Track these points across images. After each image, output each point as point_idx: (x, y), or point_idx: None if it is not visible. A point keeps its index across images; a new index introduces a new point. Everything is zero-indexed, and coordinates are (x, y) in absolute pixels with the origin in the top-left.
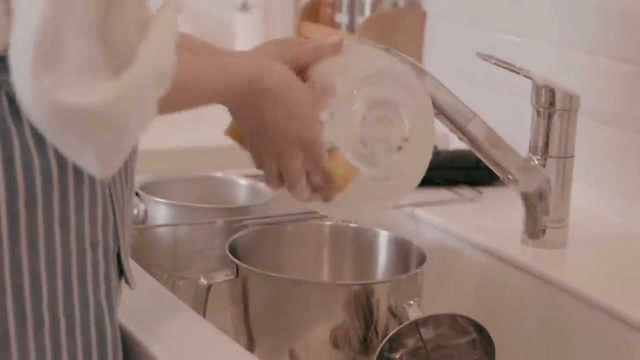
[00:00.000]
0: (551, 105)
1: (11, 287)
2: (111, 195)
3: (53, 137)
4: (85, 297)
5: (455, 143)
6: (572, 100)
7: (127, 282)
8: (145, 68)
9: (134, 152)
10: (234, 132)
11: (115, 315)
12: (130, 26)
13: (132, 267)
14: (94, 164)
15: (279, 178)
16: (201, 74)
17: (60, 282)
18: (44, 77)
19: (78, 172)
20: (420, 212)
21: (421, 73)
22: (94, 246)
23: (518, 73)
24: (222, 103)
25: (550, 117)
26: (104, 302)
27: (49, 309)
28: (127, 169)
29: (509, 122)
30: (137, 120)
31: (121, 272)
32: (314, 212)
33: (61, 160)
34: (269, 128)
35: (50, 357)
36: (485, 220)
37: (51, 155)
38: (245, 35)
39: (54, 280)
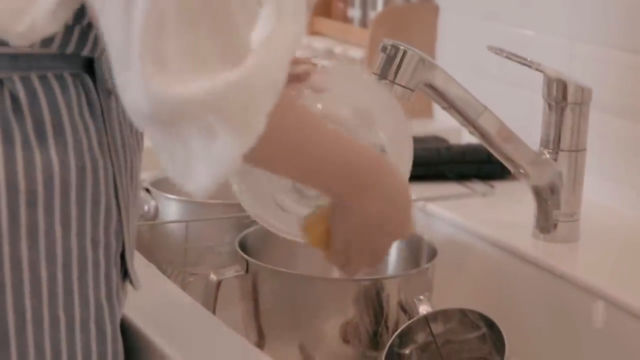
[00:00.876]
0: (563, 99)
1: (11, 285)
2: (116, 194)
3: (158, 133)
4: (86, 296)
5: (467, 137)
6: (584, 93)
7: (131, 283)
8: (257, 69)
9: (138, 151)
10: (314, 230)
11: (116, 315)
12: (239, 23)
13: (142, 263)
14: (196, 163)
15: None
16: (330, 140)
17: (60, 280)
18: (152, 76)
19: (81, 170)
20: (431, 207)
21: (432, 67)
22: (95, 245)
23: (529, 66)
24: (336, 192)
25: (562, 110)
26: (104, 302)
27: (48, 307)
28: (133, 168)
29: (521, 116)
30: (243, 120)
31: (125, 272)
32: None
33: (63, 158)
34: (379, 228)
35: (50, 356)
36: (496, 215)
37: (53, 152)
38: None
39: (54, 278)
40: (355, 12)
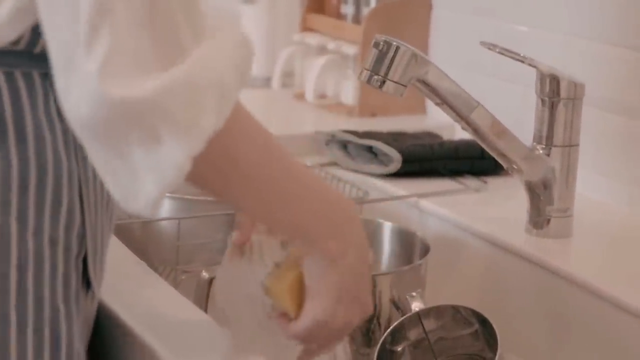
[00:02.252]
0: (556, 94)
1: None
2: (81, 197)
3: (98, 143)
4: (41, 297)
5: (461, 133)
6: (577, 89)
7: (91, 290)
8: (198, 67)
9: None
10: (279, 288)
11: (73, 320)
12: (180, 25)
13: (132, 261)
14: (141, 173)
15: None
16: (302, 173)
17: (13, 278)
18: (93, 59)
19: (41, 169)
20: (425, 203)
21: (424, 63)
22: (53, 244)
23: (522, 62)
24: (313, 235)
25: (554, 105)
26: (61, 306)
27: None
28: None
29: (515, 111)
30: (187, 120)
31: (89, 280)
32: None
33: (22, 155)
34: (354, 296)
35: None
36: (490, 210)
37: (12, 149)
38: (250, 27)
39: (6, 276)
40: (348, 9)
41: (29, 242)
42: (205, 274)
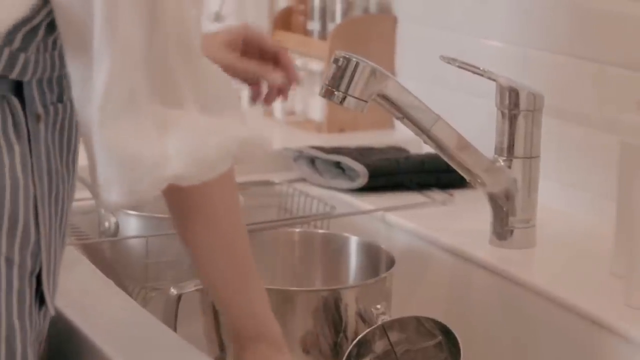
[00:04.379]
0: (515, 106)
1: None
2: (36, 217)
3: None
4: None
5: (427, 147)
6: (536, 100)
7: (46, 307)
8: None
9: (68, 179)
10: None
11: (27, 337)
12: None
13: (100, 280)
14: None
15: None
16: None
17: None
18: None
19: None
20: (391, 217)
21: (384, 78)
22: (9, 263)
23: (481, 75)
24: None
25: (514, 118)
26: (15, 322)
27: None
28: (59, 195)
29: (480, 125)
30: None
31: (42, 297)
32: (284, 220)
33: None
34: None
35: None
36: (455, 223)
37: None
38: None
39: None
40: (314, 25)
41: None
42: (173, 291)
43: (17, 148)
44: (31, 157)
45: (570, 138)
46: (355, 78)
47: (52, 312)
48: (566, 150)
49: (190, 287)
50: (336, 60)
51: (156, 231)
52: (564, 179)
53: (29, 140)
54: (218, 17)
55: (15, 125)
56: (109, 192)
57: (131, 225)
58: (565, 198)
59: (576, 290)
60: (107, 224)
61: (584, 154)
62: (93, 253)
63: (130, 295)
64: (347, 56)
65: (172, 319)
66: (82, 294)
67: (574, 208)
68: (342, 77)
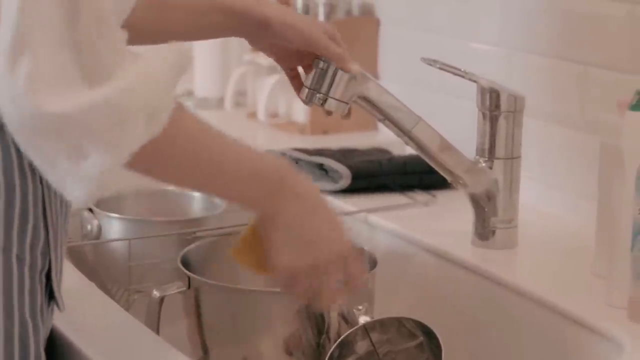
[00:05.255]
0: (496, 108)
1: None
2: (45, 216)
3: (30, 148)
4: (11, 310)
5: (410, 148)
6: (517, 102)
7: (56, 304)
8: (122, 90)
9: None
10: (244, 253)
11: (39, 334)
12: (101, 49)
13: (83, 282)
14: (69, 180)
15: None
16: (233, 152)
17: None
18: (18, 75)
19: (9, 188)
20: (373, 218)
21: (365, 79)
22: (20, 262)
23: (463, 77)
24: (249, 199)
25: (495, 119)
26: (28, 319)
27: None
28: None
29: (462, 126)
30: (111, 139)
31: (51, 293)
32: None
33: None
34: (307, 238)
35: None
36: (438, 224)
37: None
38: (203, 47)
39: None
40: None
41: None
42: (156, 293)
43: None
44: None
45: (552, 139)
46: (336, 80)
47: (62, 308)
48: (548, 150)
49: (173, 289)
50: (317, 63)
51: (139, 234)
52: (546, 180)
53: None
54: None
55: None
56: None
57: (114, 228)
58: (547, 198)
59: (557, 290)
60: (89, 226)
61: (566, 154)
62: (75, 256)
63: (113, 297)
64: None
65: (155, 321)
66: (65, 297)
67: (556, 208)
68: (322, 79)
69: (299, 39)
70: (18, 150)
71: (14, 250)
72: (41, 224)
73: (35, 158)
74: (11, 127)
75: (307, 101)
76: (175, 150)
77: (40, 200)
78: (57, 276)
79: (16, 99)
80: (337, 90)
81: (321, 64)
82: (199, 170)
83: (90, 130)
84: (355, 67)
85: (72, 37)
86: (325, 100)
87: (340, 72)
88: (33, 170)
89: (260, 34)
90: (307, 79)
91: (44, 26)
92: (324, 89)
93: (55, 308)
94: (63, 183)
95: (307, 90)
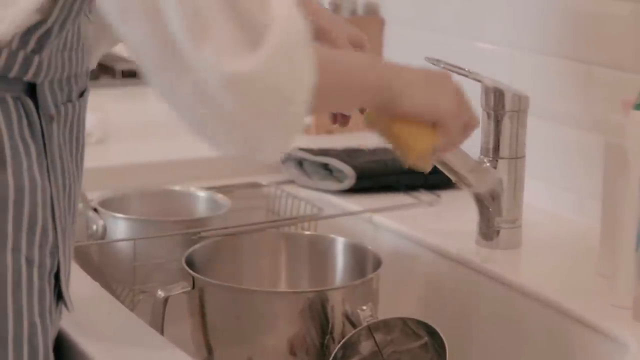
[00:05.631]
0: (501, 107)
1: None
2: (53, 216)
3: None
4: (20, 312)
5: None
6: (521, 101)
7: (64, 304)
8: (280, 37)
9: (78, 177)
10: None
11: (48, 334)
12: (254, 12)
13: (87, 283)
14: (265, 141)
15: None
16: (355, 66)
17: None
18: (203, 45)
19: (19, 189)
20: (378, 218)
21: None
22: (29, 263)
23: (467, 76)
24: (371, 102)
25: (500, 118)
26: (37, 320)
27: None
28: (71, 193)
29: None
30: (295, 85)
31: (59, 293)
32: (271, 222)
33: (2, 177)
34: (433, 90)
35: None
36: (442, 224)
37: None
38: None
39: None
40: None
41: (7, 259)
42: (161, 294)
43: (33, 149)
44: (46, 157)
45: (556, 138)
46: None
47: (71, 309)
48: (552, 150)
49: (178, 289)
50: None
51: (144, 234)
52: (550, 179)
53: (44, 141)
54: None
55: (30, 126)
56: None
57: (119, 228)
58: (552, 198)
59: (562, 290)
60: (94, 226)
61: (570, 154)
62: (81, 256)
63: (118, 298)
64: None
65: (159, 322)
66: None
67: (561, 208)
68: None
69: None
70: (26, 151)
71: (23, 251)
72: (50, 225)
73: (233, 128)
74: (215, 109)
75: None
76: (326, 86)
77: (48, 201)
78: (65, 277)
79: (211, 77)
80: None
81: None
82: (341, 94)
83: (274, 84)
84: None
85: (233, 9)
86: None
87: None
88: (41, 171)
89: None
90: None
91: (209, 6)
92: None
93: (63, 308)
94: (260, 143)
95: None
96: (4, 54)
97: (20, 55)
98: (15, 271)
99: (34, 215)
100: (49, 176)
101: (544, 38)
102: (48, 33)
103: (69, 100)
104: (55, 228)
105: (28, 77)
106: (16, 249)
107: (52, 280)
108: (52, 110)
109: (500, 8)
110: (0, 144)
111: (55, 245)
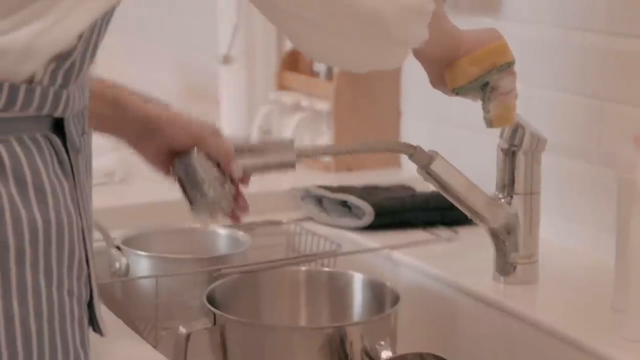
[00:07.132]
0: (519, 143)
1: (5, 342)
2: (85, 246)
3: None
4: (66, 345)
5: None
6: (539, 143)
7: (98, 329)
8: None
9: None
10: None
11: None
12: None
13: (110, 319)
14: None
15: None
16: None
17: (46, 332)
18: None
19: (59, 226)
20: (397, 254)
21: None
22: (71, 295)
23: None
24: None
25: (514, 155)
26: (80, 349)
27: None
28: (91, 218)
29: (486, 162)
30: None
31: (91, 320)
32: (290, 259)
33: (45, 215)
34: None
35: None
36: (460, 259)
37: (35, 210)
38: (229, 85)
39: (41, 331)
40: (321, 66)
41: (54, 295)
42: (183, 330)
43: (65, 184)
44: (76, 190)
45: (571, 173)
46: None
47: (105, 334)
48: (567, 185)
49: (199, 325)
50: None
51: (166, 271)
52: (566, 214)
53: (73, 175)
54: (227, 60)
55: (60, 162)
56: None
57: (141, 266)
58: (567, 233)
59: (578, 326)
60: (117, 264)
61: (585, 189)
62: (104, 293)
63: (141, 334)
64: None
65: (182, 358)
66: (94, 333)
67: (576, 243)
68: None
69: (184, 136)
70: (61, 188)
71: (65, 285)
72: (84, 256)
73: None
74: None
75: None
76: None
77: (81, 233)
78: (98, 304)
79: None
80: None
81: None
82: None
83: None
84: (235, 168)
85: None
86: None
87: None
88: (74, 204)
89: (147, 132)
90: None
91: None
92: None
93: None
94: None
95: None
96: (38, 92)
97: (51, 91)
98: (61, 306)
99: (72, 249)
100: (79, 210)
101: (556, 74)
102: (72, 67)
103: (84, 132)
104: (87, 259)
105: (58, 112)
106: (60, 285)
107: (87, 310)
108: (78, 144)
109: (514, 45)
110: (40, 182)
111: (88, 275)
